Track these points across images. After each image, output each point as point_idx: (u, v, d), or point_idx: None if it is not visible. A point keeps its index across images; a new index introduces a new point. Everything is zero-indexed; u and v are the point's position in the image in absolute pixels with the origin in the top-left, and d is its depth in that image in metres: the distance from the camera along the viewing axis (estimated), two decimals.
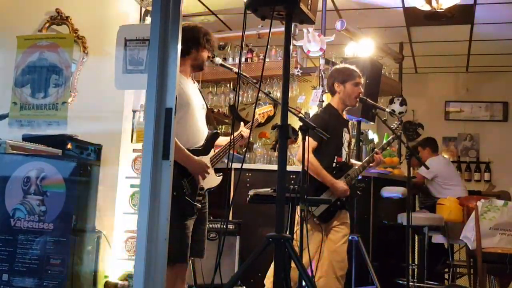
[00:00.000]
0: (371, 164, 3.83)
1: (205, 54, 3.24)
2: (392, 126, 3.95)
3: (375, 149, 3.96)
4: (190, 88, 3.20)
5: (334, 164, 3.67)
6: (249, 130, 3.36)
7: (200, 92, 3.34)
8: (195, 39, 3.17)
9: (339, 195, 3.64)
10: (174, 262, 2.93)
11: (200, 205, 3.10)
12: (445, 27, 6.74)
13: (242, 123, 3.48)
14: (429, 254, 5.16)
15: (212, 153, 3.21)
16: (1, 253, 3.15)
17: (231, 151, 3.26)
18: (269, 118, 8.45)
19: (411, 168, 4.08)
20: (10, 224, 3.16)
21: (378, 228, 5.07)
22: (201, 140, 3.18)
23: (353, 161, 3.90)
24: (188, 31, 3.09)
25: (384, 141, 4.37)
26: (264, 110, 3.67)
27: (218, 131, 3.26)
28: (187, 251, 3.03)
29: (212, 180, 3.20)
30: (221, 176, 3.26)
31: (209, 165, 3.15)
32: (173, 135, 1.94)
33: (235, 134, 3.30)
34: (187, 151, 3.04)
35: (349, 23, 5.65)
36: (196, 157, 3.08)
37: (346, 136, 3.79)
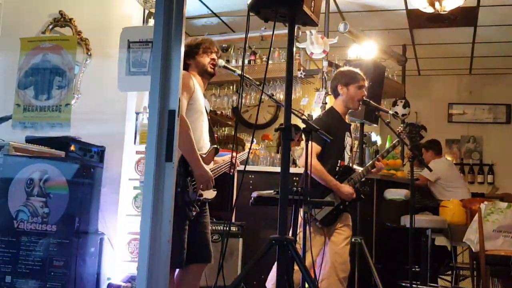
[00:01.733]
0: (372, 171, 3.81)
1: (202, 58, 3.24)
2: (397, 130, 3.93)
3: (378, 156, 3.93)
4: (203, 100, 3.23)
5: (337, 168, 3.66)
6: (239, 161, 3.42)
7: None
8: (185, 53, 3.19)
9: (344, 198, 3.63)
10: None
11: (198, 209, 3.09)
12: (448, 29, 6.74)
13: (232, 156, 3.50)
14: (432, 257, 5.15)
15: (211, 165, 3.22)
16: (4, 255, 3.16)
17: (230, 168, 3.32)
18: (271, 121, 8.52)
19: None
20: (13, 226, 3.17)
21: (381, 231, 5.06)
22: (205, 148, 3.19)
23: (354, 166, 3.89)
24: None
25: (388, 144, 4.35)
26: (254, 148, 3.93)
27: (218, 147, 3.28)
28: (183, 255, 3.00)
29: (207, 191, 3.19)
30: (216, 192, 3.26)
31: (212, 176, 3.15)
32: (177, 137, 1.93)
33: (225, 159, 3.36)
34: (199, 156, 3.04)
35: (352, 25, 5.66)
36: (205, 166, 3.08)
37: (348, 140, 3.77)
